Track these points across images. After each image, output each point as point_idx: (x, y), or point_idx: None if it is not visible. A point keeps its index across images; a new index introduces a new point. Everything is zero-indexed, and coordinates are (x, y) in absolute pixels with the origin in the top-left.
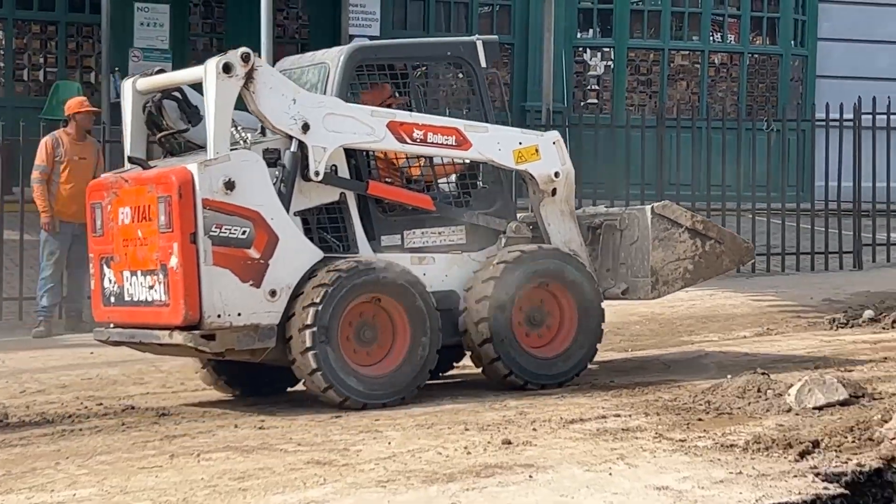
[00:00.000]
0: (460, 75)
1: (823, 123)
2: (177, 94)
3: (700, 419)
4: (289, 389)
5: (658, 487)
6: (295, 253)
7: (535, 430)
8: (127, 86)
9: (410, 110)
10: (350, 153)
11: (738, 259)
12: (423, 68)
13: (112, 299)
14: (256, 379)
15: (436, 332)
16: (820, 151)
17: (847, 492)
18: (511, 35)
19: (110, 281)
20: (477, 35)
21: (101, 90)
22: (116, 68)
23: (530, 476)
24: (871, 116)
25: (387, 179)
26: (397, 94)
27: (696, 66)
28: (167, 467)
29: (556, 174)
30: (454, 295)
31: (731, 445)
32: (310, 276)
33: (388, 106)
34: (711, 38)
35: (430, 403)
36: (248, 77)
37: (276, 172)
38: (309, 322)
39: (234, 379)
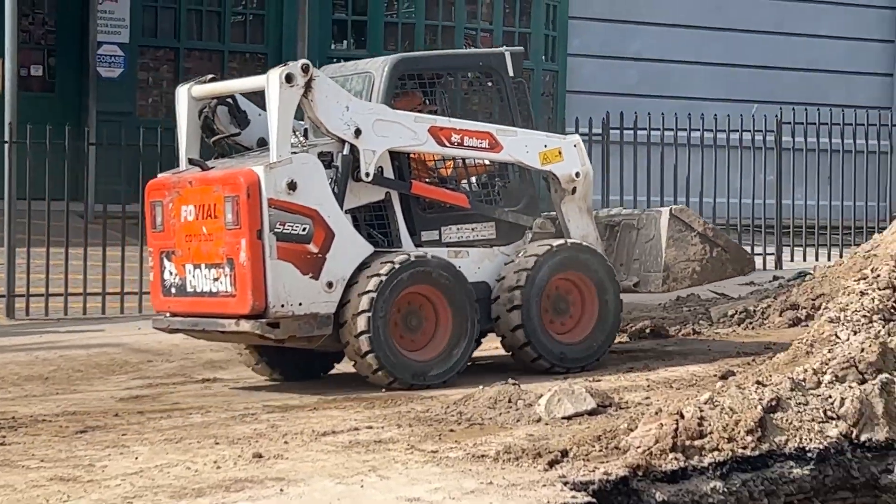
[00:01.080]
0: (489, 83)
1: None
2: (229, 99)
3: (452, 430)
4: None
5: (409, 499)
6: (349, 248)
7: (286, 443)
8: (182, 92)
9: (446, 116)
10: (394, 155)
11: (740, 268)
12: (451, 78)
13: (173, 290)
14: (295, 364)
15: (475, 322)
16: None
17: (594, 500)
18: (265, 45)
19: (171, 273)
20: (505, 47)
21: None
22: None
23: (281, 490)
24: (619, 131)
25: (426, 180)
26: (426, 101)
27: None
28: None
29: (577, 174)
30: (485, 286)
31: (483, 456)
32: (361, 269)
33: (419, 112)
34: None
35: (180, 417)
36: (307, 86)
37: (331, 174)
38: (364, 308)
39: (273, 361)
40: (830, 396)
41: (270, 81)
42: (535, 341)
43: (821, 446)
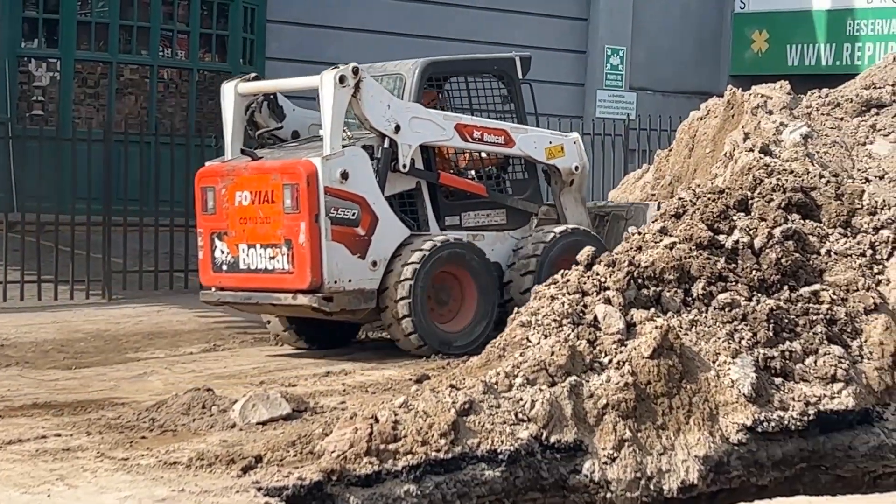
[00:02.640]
0: (501, 85)
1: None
2: (271, 96)
3: (144, 437)
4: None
5: None
6: (390, 230)
7: None
8: (228, 88)
9: (469, 113)
10: (423, 148)
11: None
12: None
13: (224, 267)
14: (327, 335)
15: (496, 300)
16: None
17: None
18: None
19: (222, 252)
20: (515, 52)
21: None
22: None
23: None
24: None
25: (450, 171)
26: (440, 98)
27: (145, 81)
28: None
29: (576, 168)
30: (498, 266)
31: (175, 463)
32: (404, 245)
33: (433, 108)
34: (161, 53)
35: None
36: (357, 87)
37: (373, 165)
38: (407, 276)
39: (311, 336)
40: (521, 399)
41: (325, 82)
42: None
43: (512, 448)
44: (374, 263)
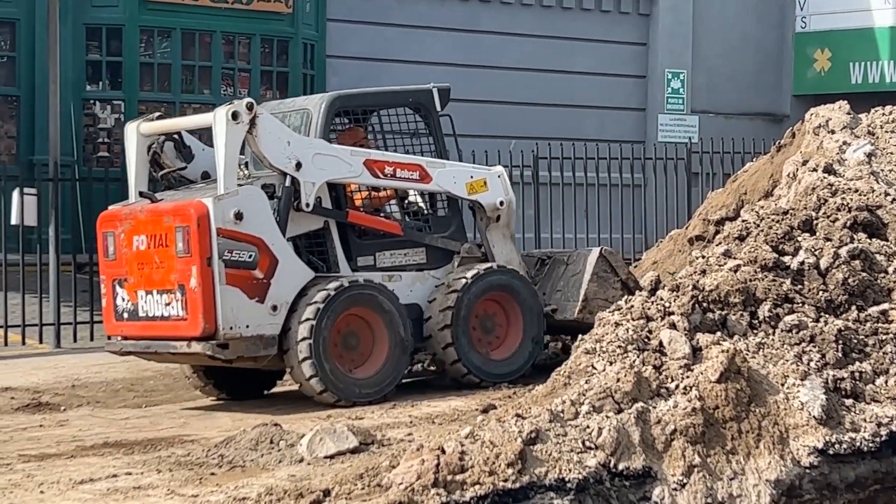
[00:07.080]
0: (419, 118)
1: None
2: (175, 135)
3: (213, 473)
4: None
5: None
6: (291, 273)
7: (42, 492)
8: (130, 129)
9: (383, 149)
10: (331, 186)
11: None
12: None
13: (125, 315)
14: (238, 383)
15: (409, 340)
16: None
17: None
18: (17, 87)
19: (123, 299)
20: (433, 84)
21: None
22: None
23: None
24: None
25: (363, 209)
26: (368, 137)
27: None
28: None
29: (501, 203)
30: (417, 307)
31: (244, 498)
32: (302, 293)
33: (361, 146)
34: (223, 91)
35: None
36: (252, 123)
37: (273, 204)
38: (305, 335)
39: (219, 383)
40: (588, 427)
41: (217, 119)
42: (465, 358)
43: (580, 476)
44: (275, 308)
